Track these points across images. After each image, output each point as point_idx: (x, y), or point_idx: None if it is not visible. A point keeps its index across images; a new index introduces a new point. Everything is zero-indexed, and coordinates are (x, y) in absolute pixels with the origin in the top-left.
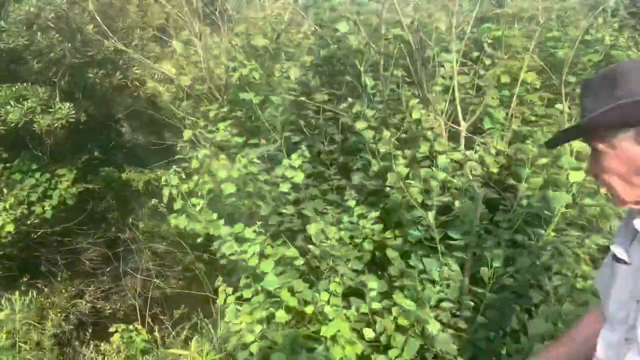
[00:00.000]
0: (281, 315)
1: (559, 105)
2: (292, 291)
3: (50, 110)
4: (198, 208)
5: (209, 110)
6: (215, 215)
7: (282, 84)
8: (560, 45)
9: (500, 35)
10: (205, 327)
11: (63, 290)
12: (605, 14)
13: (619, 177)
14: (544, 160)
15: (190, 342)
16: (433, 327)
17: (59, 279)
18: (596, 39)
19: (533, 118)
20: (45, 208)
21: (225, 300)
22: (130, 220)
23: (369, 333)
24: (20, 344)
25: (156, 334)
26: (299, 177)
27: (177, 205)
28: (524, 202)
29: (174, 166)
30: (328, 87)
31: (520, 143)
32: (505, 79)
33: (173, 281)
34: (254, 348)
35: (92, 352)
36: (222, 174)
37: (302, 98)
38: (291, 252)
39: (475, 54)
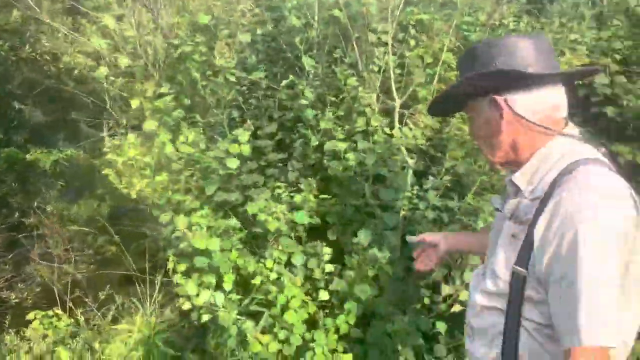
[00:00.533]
0: (228, 283)
1: None
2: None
3: None
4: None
5: (146, 88)
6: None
7: (223, 62)
8: (472, 29)
9: (422, 18)
10: (134, 306)
11: None
12: (510, 1)
13: (483, 140)
14: (465, 134)
15: (119, 321)
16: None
17: None
18: (501, 24)
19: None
20: None
21: (173, 271)
22: (36, 203)
23: (324, 295)
24: None
25: (79, 317)
26: (246, 150)
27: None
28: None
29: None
30: (268, 65)
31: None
32: (429, 59)
33: (82, 266)
34: (204, 314)
35: (16, 340)
36: (169, 149)
37: (244, 75)
38: (233, 223)
39: (402, 35)
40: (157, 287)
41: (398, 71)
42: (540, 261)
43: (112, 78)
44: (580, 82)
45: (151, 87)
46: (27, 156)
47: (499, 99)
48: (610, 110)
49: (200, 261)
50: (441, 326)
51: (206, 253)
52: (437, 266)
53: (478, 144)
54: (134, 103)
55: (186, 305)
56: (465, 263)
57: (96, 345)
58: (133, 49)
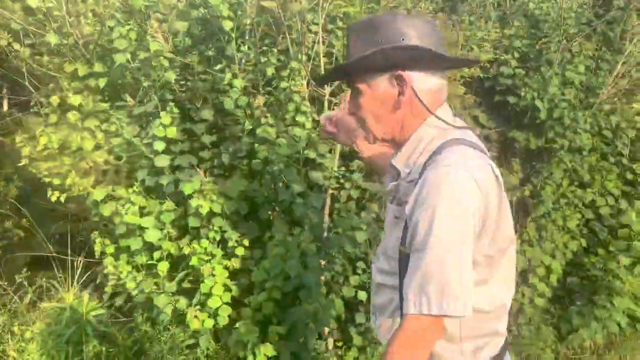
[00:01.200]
0: (162, 267)
1: None
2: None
3: None
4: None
5: (76, 68)
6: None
7: (157, 47)
8: None
9: (348, 11)
10: (54, 288)
11: None
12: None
13: (372, 114)
14: None
15: (38, 304)
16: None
17: None
18: None
19: None
20: None
21: (102, 253)
22: None
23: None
24: None
25: None
26: (172, 132)
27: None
28: None
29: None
30: (202, 49)
31: None
32: None
33: None
34: (137, 295)
35: None
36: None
37: (179, 58)
38: (167, 205)
39: (330, 26)
40: (78, 270)
41: (326, 60)
42: (412, 234)
43: (37, 57)
44: (487, 75)
45: (82, 67)
46: None
47: (406, 75)
48: (511, 99)
49: (135, 242)
50: (362, 295)
51: (137, 232)
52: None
53: (363, 116)
54: (54, 100)
55: (113, 281)
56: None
57: (15, 329)
58: (59, 27)
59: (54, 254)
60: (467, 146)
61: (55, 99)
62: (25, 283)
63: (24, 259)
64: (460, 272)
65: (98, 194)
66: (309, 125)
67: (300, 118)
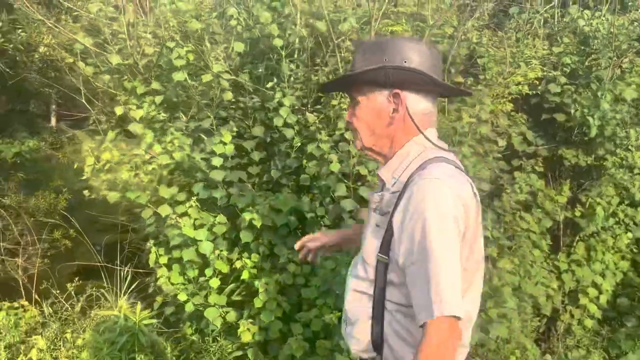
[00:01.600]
0: (214, 282)
1: None
2: (222, 258)
3: None
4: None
5: (135, 86)
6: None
7: (220, 68)
8: (441, 40)
9: (397, 29)
10: (103, 297)
11: None
12: (474, 18)
13: (366, 125)
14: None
15: (88, 312)
16: None
17: None
18: (465, 37)
19: None
20: None
21: (155, 263)
22: None
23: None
24: None
25: (44, 308)
26: (230, 149)
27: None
28: None
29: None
30: (252, 67)
31: None
32: None
33: (38, 259)
34: (188, 306)
35: None
36: (157, 148)
37: (234, 77)
38: (220, 219)
39: None
40: (127, 279)
41: None
42: (399, 249)
43: (101, 76)
44: (534, 92)
45: (140, 85)
46: None
47: (402, 95)
48: (559, 117)
49: (188, 254)
50: None
51: (191, 244)
52: (314, 257)
53: (354, 125)
54: (118, 111)
55: (169, 291)
56: None
57: (67, 336)
58: (121, 47)
59: (104, 264)
60: (449, 164)
61: (119, 109)
62: (73, 292)
63: (70, 268)
64: (458, 278)
65: (163, 210)
66: None
67: (350, 135)
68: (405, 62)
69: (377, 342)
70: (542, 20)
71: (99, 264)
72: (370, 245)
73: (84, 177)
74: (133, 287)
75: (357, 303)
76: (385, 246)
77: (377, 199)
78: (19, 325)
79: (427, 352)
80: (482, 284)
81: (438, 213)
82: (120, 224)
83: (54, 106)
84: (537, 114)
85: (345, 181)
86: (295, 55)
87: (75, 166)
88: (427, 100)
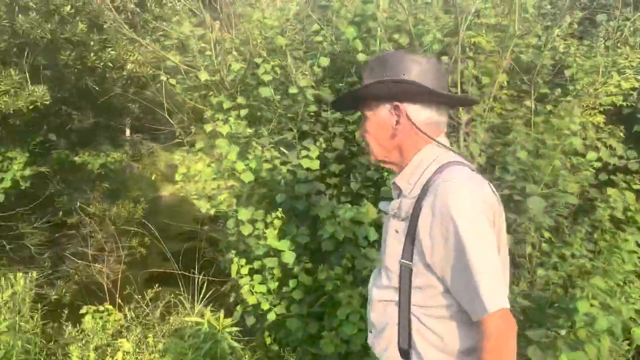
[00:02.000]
0: (297, 294)
1: (528, 102)
2: (306, 270)
3: (24, 92)
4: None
5: (222, 101)
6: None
7: (305, 83)
8: (526, 50)
9: (479, 41)
10: (180, 304)
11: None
12: (560, 27)
13: (374, 137)
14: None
15: (167, 318)
16: None
17: None
18: (553, 47)
19: (504, 112)
20: None
21: (237, 273)
22: (78, 204)
23: None
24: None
25: (127, 312)
26: (315, 164)
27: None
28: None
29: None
30: (332, 81)
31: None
32: (486, 79)
33: (117, 266)
34: (271, 315)
35: (77, 331)
36: (239, 167)
37: (317, 91)
38: (302, 231)
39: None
40: (204, 286)
41: (454, 90)
42: (431, 255)
43: (189, 92)
44: (625, 103)
45: (226, 100)
46: (76, 159)
47: (401, 106)
48: None
49: (271, 262)
50: None
51: (274, 254)
52: None
53: (366, 139)
54: (208, 127)
55: (251, 300)
56: None
57: (149, 340)
58: (208, 63)
59: (181, 272)
60: (465, 166)
61: (208, 126)
62: (147, 298)
63: (144, 274)
64: (500, 272)
65: (243, 214)
66: None
67: None
68: (403, 74)
69: (405, 349)
70: (632, 29)
71: (175, 271)
72: (392, 251)
73: (177, 184)
74: (208, 294)
75: (382, 311)
76: (408, 251)
77: (396, 206)
78: (106, 328)
79: (488, 347)
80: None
81: (465, 212)
82: (195, 232)
83: (128, 119)
84: (629, 125)
85: None
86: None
87: (153, 177)
88: (431, 109)
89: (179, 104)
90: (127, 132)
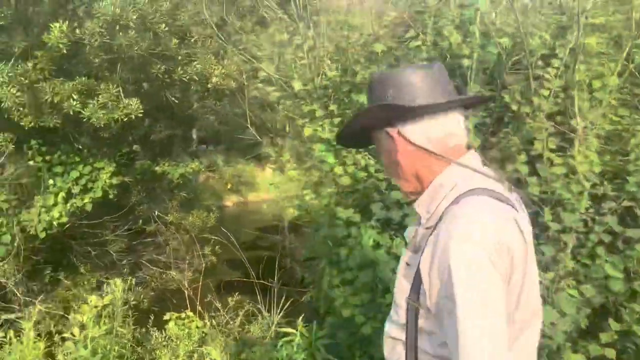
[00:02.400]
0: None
1: None
2: None
3: (120, 105)
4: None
5: (314, 109)
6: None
7: None
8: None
9: (590, 42)
10: (259, 313)
11: (85, 282)
12: None
13: (389, 172)
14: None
15: (246, 327)
16: None
17: (82, 270)
18: None
19: (614, 118)
20: (84, 201)
21: (329, 284)
22: (157, 212)
23: None
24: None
25: (207, 321)
26: None
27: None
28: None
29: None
30: None
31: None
32: (597, 84)
33: (189, 273)
34: (365, 329)
35: (164, 337)
36: (338, 171)
37: None
38: (399, 242)
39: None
40: (283, 296)
41: (562, 95)
42: (430, 294)
43: (283, 100)
44: None
45: (319, 108)
46: (157, 169)
47: (391, 131)
48: None
49: (366, 275)
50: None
51: (368, 266)
52: None
53: (388, 174)
54: (307, 132)
55: (345, 313)
56: None
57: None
58: (301, 72)
59: (258, 281)
60: (490, 197)
61: (308, 130)
62: (228, 306)
63: (215, 282)
64: (488, 328)
65: (342, 212)
66: (559, 161)
67: (548, 154)
68: (387, 96)
69: None
70: None
71: (254, 280)
72: (400, 286)
73: (270, 186)
74: (287, 305)
75: (391, 349)
76: (415, 290)
77: (411, 234)
78: (192, 335)
79: None
80: (535, 349)
81: (465, 260)
82: (266, 241)
83: (195, 130)
84: None
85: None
86: (472, 75)
87: (228, 186)
88: (436, 122)
89: (259, 115)
90: (195, 141)
